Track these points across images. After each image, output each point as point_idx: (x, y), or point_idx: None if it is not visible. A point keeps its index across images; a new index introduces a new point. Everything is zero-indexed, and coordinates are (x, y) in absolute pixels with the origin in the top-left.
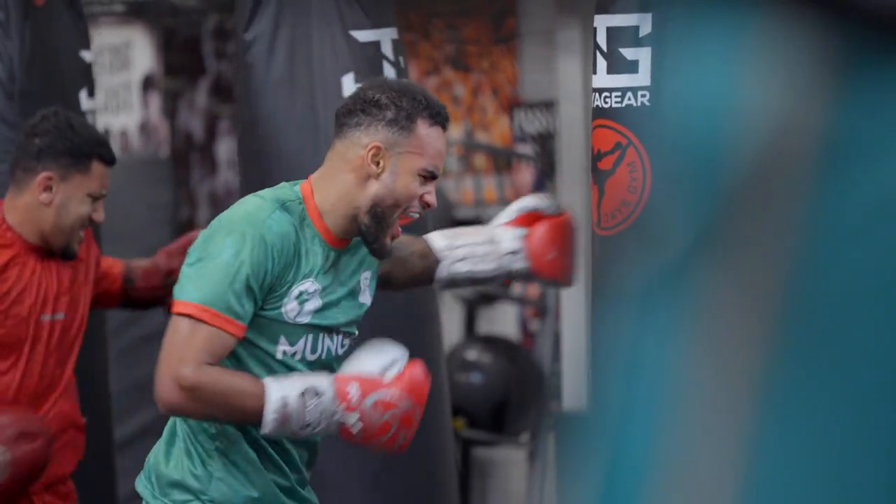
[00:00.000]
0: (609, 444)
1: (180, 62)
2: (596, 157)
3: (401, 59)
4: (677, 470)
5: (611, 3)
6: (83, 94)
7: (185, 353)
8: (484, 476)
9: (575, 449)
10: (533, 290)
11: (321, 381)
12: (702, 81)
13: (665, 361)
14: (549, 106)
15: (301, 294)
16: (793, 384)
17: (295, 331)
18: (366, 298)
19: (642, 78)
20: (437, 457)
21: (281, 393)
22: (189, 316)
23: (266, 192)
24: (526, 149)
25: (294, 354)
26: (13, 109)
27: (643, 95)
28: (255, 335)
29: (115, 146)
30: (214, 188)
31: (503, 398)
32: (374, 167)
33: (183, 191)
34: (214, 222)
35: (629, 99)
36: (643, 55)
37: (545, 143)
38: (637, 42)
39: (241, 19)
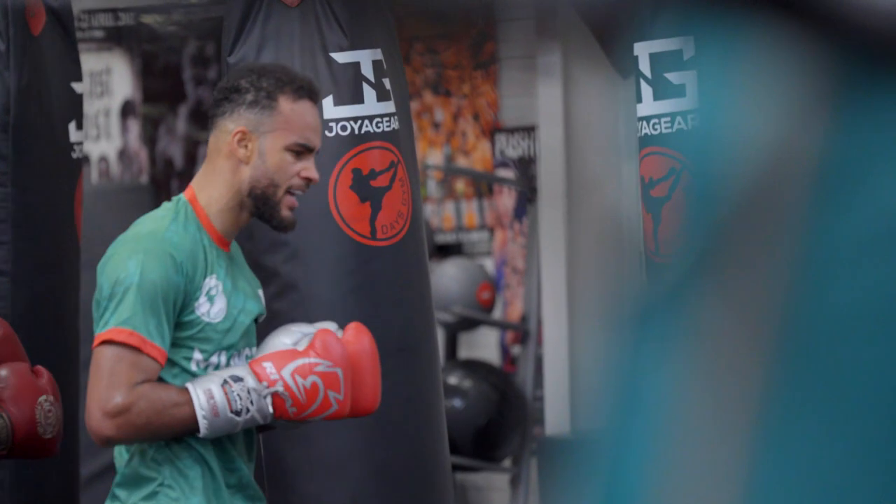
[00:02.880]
0: (603, 472)
1: (160, 88)
2: (648, 185)
3: (384, 80)
4: (673, 498)
5: (648, 30)
6: (72, 126)
7: (112, 381)
8: (466, 501)
9: (559, 474)
10: (514, 313)
11: (238, 369)
12: (698, 106)
13: (660, 388)
14: (529, 131)
15: (209, 291)
16: (790, 411)
17: (208, 339)
18: (262, 308)
19: (690, 101)
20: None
21: (203, 388)
22: (110, 342)
23: (157, 210)
24: (507, 173)
25: (207, 368)
26: (6, 142)
27: (693, 119)
28: (173, 351)
29: (95, 173)
30: None
31: (485, 423)
32: (242, 151)
33: None
34: (111, 250)
35: (679, 123)
36: (689, 78)
37: (526, 168)
38: (682, 65)
39: (226, 42)
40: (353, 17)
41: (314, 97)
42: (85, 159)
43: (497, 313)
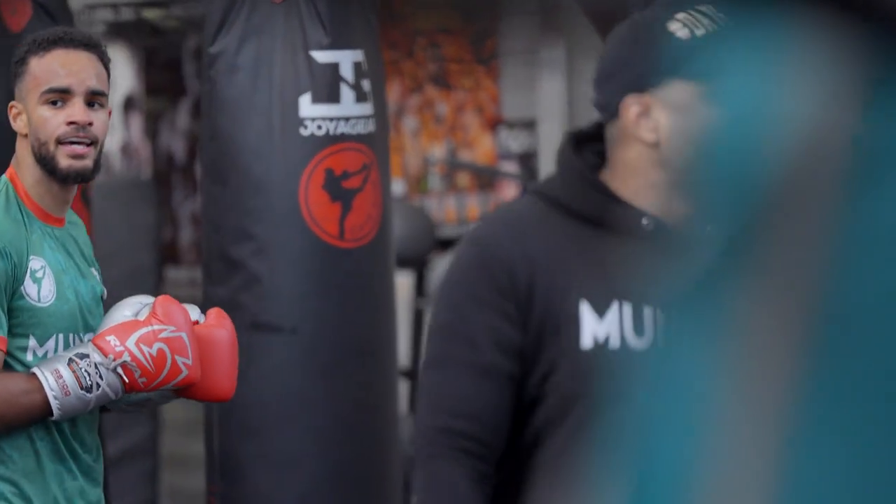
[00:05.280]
0: (635, 465)
1: (161, 83)
2: None
3: (364, 82)
4: (705, 492)
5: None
6: None
7: None
8: None
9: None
10: None
11: (81, 347)
12: (733, 92)
13: (696, 376)
14: (530, 125)
15: (34, 273)
16: (828, 399)
17: (40, 323)
18: (98, 286)
19: None
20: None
21: (50, 369)
22: None
23: None
24: (510, 167)
25: (45, 355)
26: None
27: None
28: (8, 340)
29: None
30: (196, 209)
31: None
32: (20, 124)
33: (165, 211)
34: None
35: None
36: None
37: (528, 162)
38: None
39: (209, 32)
40: (336, 17)
41: (69, 43)
42: None
43: None
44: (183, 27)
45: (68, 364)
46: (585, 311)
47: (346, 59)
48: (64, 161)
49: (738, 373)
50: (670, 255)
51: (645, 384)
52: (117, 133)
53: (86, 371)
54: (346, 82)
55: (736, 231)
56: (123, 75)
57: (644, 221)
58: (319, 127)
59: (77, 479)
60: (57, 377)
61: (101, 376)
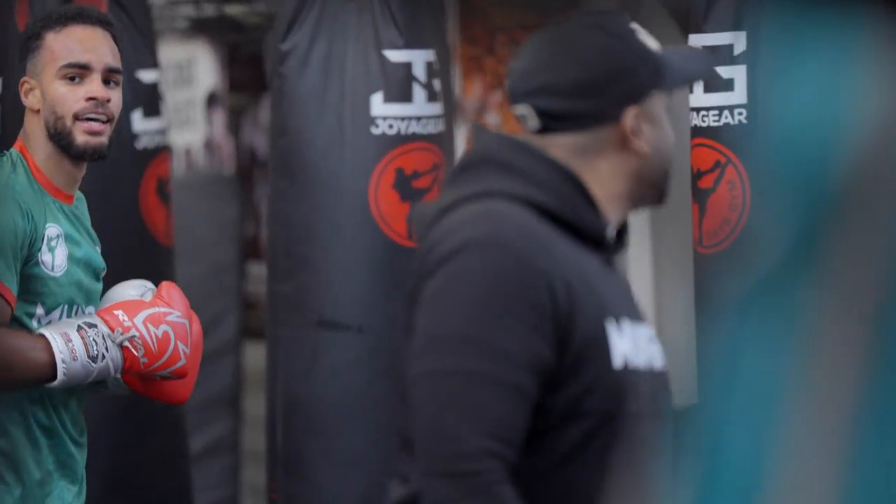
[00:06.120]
0: (707, 454)
1: (244, 79)
2: (696, 176)
3: (435, 82)
4: (776, 481)
5: (703, 22)
6: (136, 115)
7: None
8: None
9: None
10: None
11: (89, 317)
12: (801, 94)
13: (765, 375)
14: None
15: (49, 240)
16: (890, 398)
17: (51, 292)
18: (101, 263)
19: (738, 96)
20: None
21: (60, 332)
22: None
23: None
24: None
25: (49, 324)
26: None
27: (740, 113)
28: (18, 304)
29: (180, 163)
30: None
31: None
32: (32, 100)
33: (247, 207)
34: None
35: (726, 117)
36: (738, 73)
37: None
38: (732, 60)
39: (279, 29)
40: (409, 16)
41: (86, 19)
42: (167, 148)
43: None
44: (265, 23)
45: (77, 330)
46: (612, 331)
47: (418, 59)
48: (81, 137)
49: (807, 369)
50: (745, 261)
51: (711, 390)
52: (200, 129)
53: (94, 340)
54: (419, 82)
55: (805, 230)
56: (206, 71)
57: (609, 232)
58: (391, 126)
59: (71, 453)
60: (66, 340)
61: (106, 348)
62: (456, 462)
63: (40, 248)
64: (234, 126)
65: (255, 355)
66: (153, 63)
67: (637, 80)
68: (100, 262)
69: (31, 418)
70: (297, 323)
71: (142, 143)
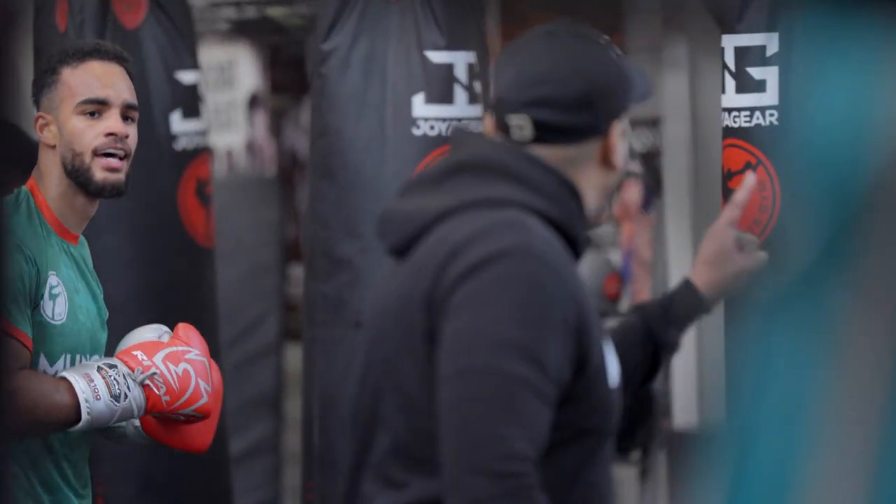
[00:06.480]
0: (736, 460)
1: (285, 80)
2: (727, 177)
3: (476, 83)
4: (805, 485)
5: (737, 23)
6: (175, 116)
7: None
8: None
9: (691, 467)
10: None
11: (108, 359)
12: (833, 97)
13: (794, 376)
14: (654, 123)
15: (51, 289)
16: None
17: (52, 341)
18: (104, 310)
19: (770, 97)
20: None
21: (81, 373)
22: None
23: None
24: (633, 166)
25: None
26: None
27: (771, 115)
28: None
29: (221, 165)
30: None
31: None
32: (47, 135)
33: (289, 209)
34: None
35: (758, 118)
36: (770, 74)
37: (651, 161)
38: (764, 61)
39: (321, 29)
40: (451, 18)
41: (103, 55)
42: (207, 150)
43: (624, 306)
44: (307, 25)
45: (98, 370)
46: (608, 350)
47: (460, 61)
48: (100, 174)
49: (836, 378)
50: (774, 262)
51: (741, 397)
52: (242, 131)
53: (115, 379)
54: (461, 83)
55: (835, 232)
56: (248, 73)
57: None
58: (432, 127)
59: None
60: (88, 381)
61: (128, 387)
62: (502, 462)
63: (43, 296)
64: (276, 128)
65: (296, 357)
66: (193, 64)
67: (623, 95)
68: (103, 309)
69: (31, 474)
70: (335, 324)
71: (181, 145)
